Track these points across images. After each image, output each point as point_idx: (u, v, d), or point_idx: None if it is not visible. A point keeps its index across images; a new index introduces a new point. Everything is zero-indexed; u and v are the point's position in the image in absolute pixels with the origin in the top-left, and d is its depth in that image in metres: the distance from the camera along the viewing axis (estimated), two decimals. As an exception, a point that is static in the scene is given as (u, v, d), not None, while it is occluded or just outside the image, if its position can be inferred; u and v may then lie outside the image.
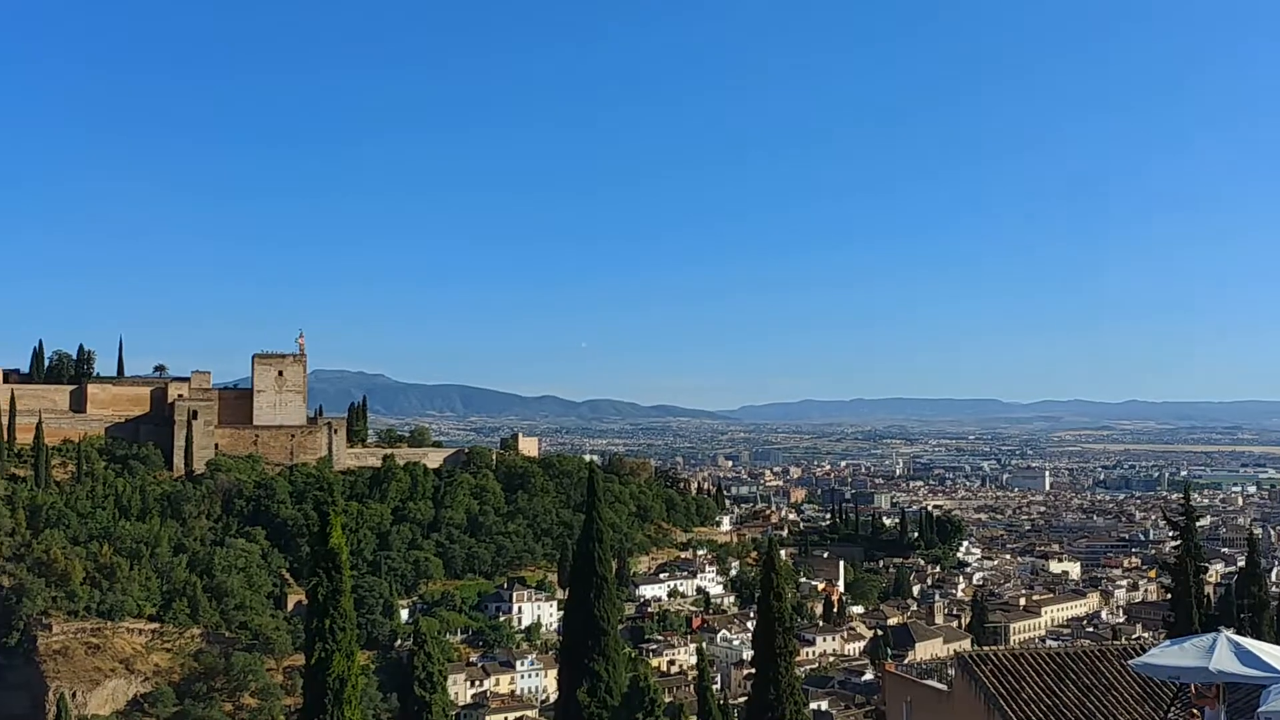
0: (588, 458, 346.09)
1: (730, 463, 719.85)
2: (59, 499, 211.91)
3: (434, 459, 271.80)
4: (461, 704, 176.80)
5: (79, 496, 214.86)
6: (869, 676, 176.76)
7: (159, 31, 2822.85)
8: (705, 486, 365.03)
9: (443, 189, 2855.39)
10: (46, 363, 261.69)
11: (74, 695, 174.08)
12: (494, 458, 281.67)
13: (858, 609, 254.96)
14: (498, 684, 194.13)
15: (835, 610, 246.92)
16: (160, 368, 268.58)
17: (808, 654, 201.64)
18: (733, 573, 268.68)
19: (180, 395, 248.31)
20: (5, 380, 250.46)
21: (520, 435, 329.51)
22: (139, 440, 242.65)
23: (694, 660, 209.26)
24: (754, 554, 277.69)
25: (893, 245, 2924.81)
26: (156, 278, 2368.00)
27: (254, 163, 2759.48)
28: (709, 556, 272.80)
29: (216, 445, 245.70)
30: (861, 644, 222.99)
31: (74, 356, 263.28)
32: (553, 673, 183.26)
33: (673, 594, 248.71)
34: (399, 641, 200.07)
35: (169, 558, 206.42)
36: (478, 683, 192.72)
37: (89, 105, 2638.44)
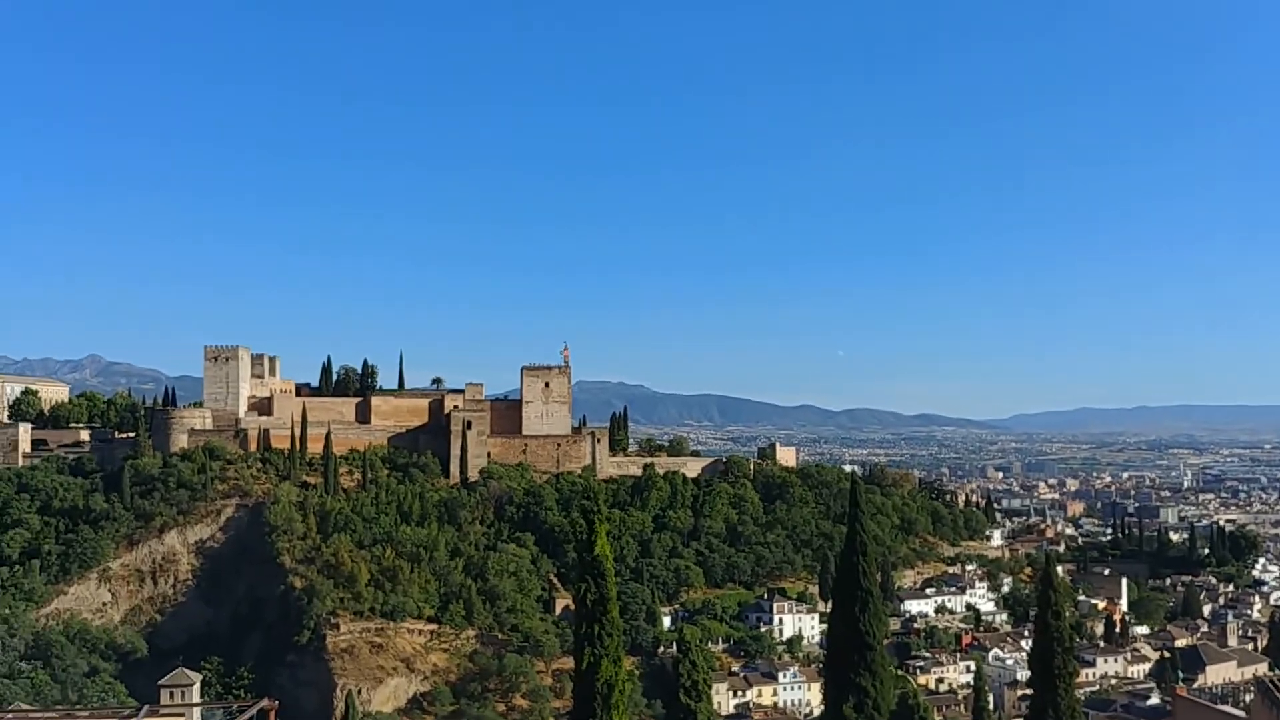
0: (848, 468, 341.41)
1: (1000, 474, 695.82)
2: (346, 505, 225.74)
3: (693, 468, 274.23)
4: (724, 714, 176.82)
5: (364, 503, 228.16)
6: (1155, 701, 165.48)
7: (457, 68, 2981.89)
8: (973, 499, 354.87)
9: (699, 220, 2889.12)
10: (334, 377, 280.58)
11: (359, 692, 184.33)
12: (752, 467, 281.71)
13: (1142, 629, 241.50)
14: (760, 695, 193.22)
15: (1117, 630, 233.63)
16: (437, 380, 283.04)
17: (1088, 675, 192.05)
18: (1005, 589, 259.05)
19: (455, 406, 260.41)
20: (298, 394, 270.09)
21: (778, 445, 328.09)
22: (418, 449, 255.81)
23: (963, 679, 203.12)
24: (1028, 570, 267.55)
25: (1183, 249, 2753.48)
26: (434, 297, 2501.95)
27: (530, 194, 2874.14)
28: (979, 572, 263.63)
29: (489, 454, 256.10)
30: (1146, 666, 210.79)
31: (359, 371, 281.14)
32: (816, 686, 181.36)
33: (940, 610, 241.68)
34: (662, 648, 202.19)
35: (446, 561, 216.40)
36: (740, 693, 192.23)
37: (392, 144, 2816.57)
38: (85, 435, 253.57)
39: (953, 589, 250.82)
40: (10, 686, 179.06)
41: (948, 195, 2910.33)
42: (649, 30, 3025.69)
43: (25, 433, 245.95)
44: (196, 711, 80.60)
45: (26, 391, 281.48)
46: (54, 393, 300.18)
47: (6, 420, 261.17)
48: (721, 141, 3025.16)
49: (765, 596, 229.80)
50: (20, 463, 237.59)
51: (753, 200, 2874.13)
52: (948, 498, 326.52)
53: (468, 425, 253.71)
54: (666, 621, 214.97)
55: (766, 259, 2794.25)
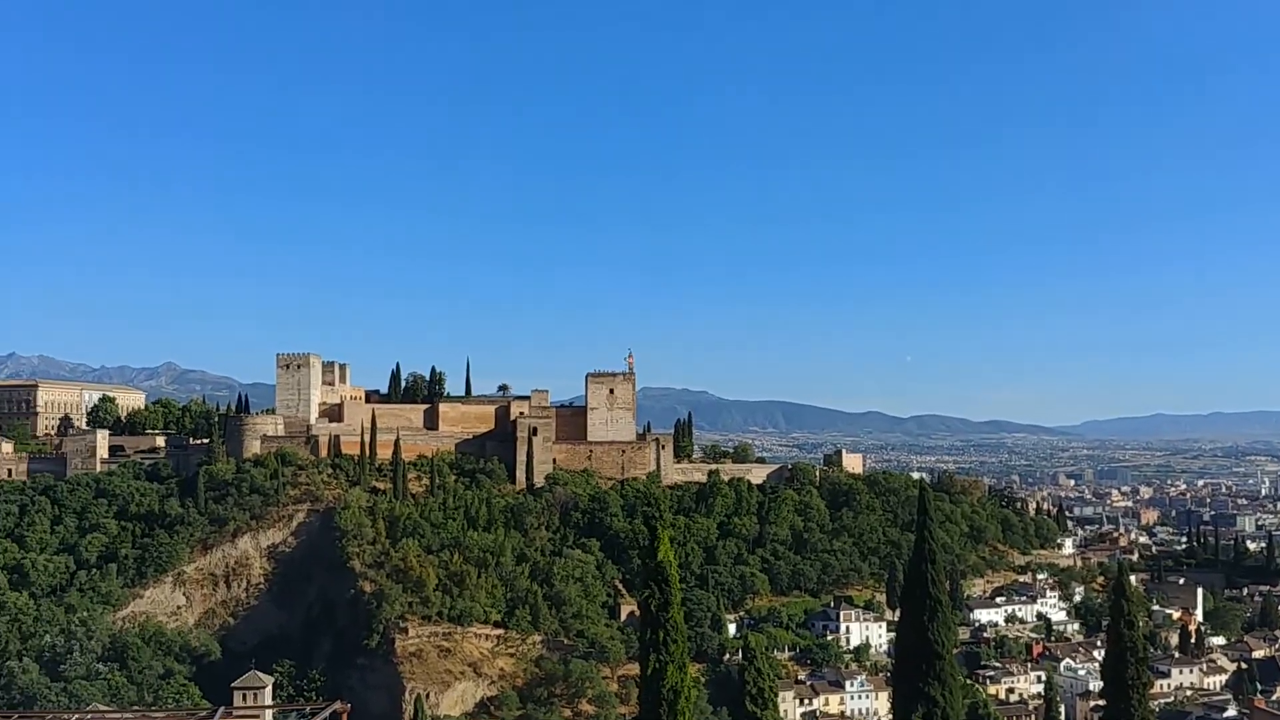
0: (916, 475, 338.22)
1: (1072, 481, 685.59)
2: (414, 510, 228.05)
3: (758, 475, 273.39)
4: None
5: (432, 508, 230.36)
6: (1231, 713, 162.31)
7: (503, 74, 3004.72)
8: (1044, 507, 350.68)
9: (768, 221, 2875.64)
10: (403, 384, 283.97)
11: (427, 696, 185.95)
12: (818, 474, 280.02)
13: (1218, 640, 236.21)
14: (826, 704, 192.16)
15: (1193, 641, 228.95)
16: (503, 387, 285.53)
17: (1162, 686, 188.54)
18: (1077, 598, 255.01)
19: (521, 413, 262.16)
20: (367, 400, 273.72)
21: (844, 451, 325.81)
22: (485, 455, 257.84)
23: (1034, 689, 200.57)
24: (1100, 579, 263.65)
25: (1259, 252, 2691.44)
26: (501, 304, 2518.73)
27: (597, 198, 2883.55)
28: (1050, 581, 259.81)
29: (554, 460, 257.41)
30: (1223, 678, 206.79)
31: (427, 378, 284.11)
32: (884, 695, 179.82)
33: (1010, 619, 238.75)
34: (727, 655, 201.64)
35: (512, 566, 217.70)
36: (806, 701, 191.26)
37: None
38: (161, 441, 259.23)
39: (1023, 598, 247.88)
40: (88, 688, 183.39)
41: (1022, 197, 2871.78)
42: (733, 30, 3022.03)
43: (103, 439, 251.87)
44: (269, 713, 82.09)
45: (104, 399, 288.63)
46: (131, 400, 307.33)
47: (85, 427, 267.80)
48: (789, 141, 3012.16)
49: (832, 604, 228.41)
50: (98, 468, 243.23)
51: (820, 202, 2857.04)
52: (1018, 505, 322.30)
53: (533, 432, 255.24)
54: (732, 629, 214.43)
55: (832, 262, 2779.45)
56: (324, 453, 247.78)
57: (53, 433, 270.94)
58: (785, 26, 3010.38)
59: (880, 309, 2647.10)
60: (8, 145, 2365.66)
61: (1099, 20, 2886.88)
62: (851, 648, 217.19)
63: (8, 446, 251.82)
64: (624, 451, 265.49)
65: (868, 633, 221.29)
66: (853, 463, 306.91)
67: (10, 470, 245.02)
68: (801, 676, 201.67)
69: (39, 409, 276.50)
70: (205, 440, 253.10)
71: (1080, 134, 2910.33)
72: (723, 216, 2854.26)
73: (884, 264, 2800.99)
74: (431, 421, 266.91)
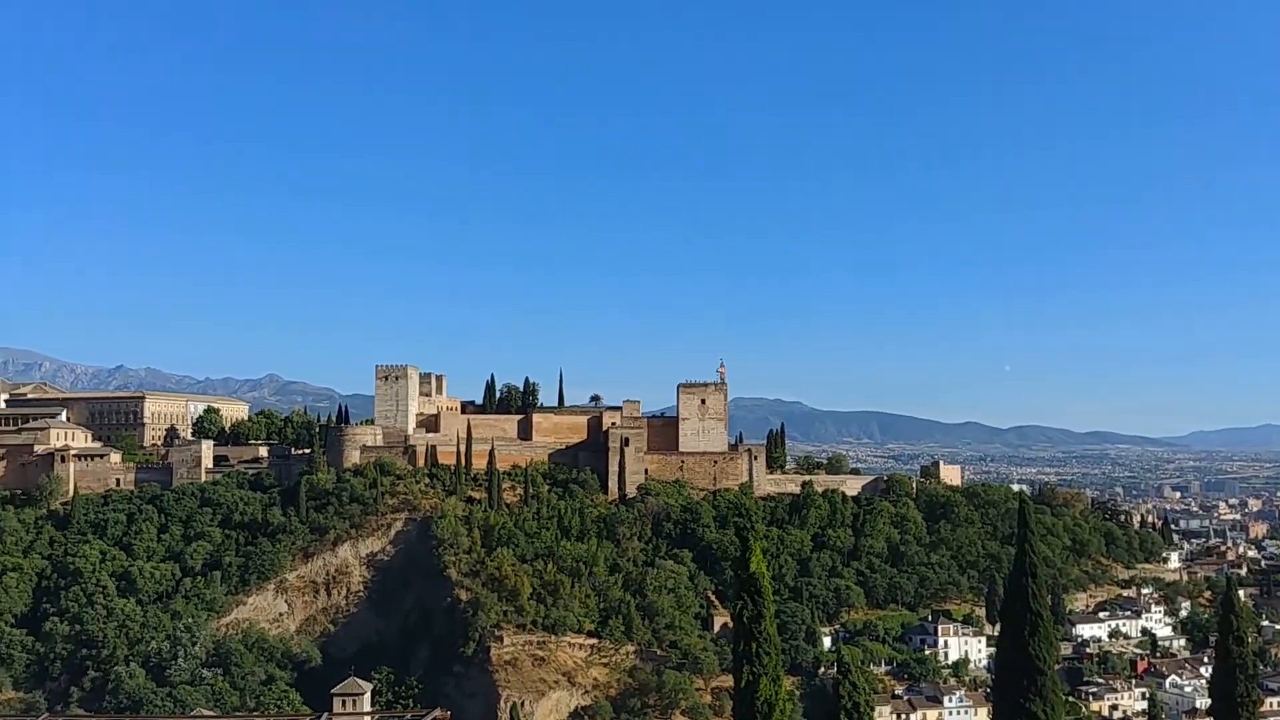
0: (1016, 487, 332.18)
1: (1178, 494, 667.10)
2: (509, 520, 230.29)
3: (852, 486, 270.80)
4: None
5: (526, 517, 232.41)
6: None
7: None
8: (1149, 520, 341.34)
9: (863, 229, 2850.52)
10: (497, 395, 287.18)
11: (522, 704, 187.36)
12: (914, 486, 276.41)
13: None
14: (924, 719, 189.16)
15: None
16: (596, 398, 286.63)
17: (1271, 705, 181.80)
18: (1183, 613, 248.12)
19: (613, 423, 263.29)
20: (463, 411, 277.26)
21: (941, 463, 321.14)
22: (577, 465, 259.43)
23: (1138, 706, 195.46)
24: (1207, 594, 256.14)
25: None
26: (592, 314, 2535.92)
27: (692, 205, 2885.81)
28: (1155, 595, 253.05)
29: (646, 470, 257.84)
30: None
31: (521, 389, 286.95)
32: (983, 711, 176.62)
33: (1114, 634, 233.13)
34: (822, 669, 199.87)
35: (605, 576, 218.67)
36: (903, 716, 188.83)
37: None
38: (264, 451, 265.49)
39: (1127, 613, 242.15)
40: (192, 692, 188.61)
41: (1128, 199, 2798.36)
42: (832, 37, 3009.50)
43: (208, 449, 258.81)
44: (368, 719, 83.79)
45: (209, 410, 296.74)
46: (234, 411, 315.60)
47: (191, 437, 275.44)
48: (887, 148, 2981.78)
49: (929, 618, 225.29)
50: (203, 478, 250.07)
51: (918, 207, 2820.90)
52: (1122, 518, 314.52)
53: (625, 442, 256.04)
54: (827, 642, 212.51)
55: (928, 269, 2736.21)
56: (421, 462, 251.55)
57: (159, 443, 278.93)
58: (898, 35, 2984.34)
59: (978, 317, 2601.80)
60: (127, 163, 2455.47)
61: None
62: (950, 663, 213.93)
63: (116, 457, 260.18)
64: (716, 462, 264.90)
65: (966, 647, 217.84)
66: (950, 474, 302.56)
67: (118, 480, 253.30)
68: (898, 691, 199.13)
69: (146, 420, 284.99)
70: (306, 450, 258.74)
71: (1192, 132, 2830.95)
72: (817, 225, 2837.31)
73: (983, 270, 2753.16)
74: (525, 432, 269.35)
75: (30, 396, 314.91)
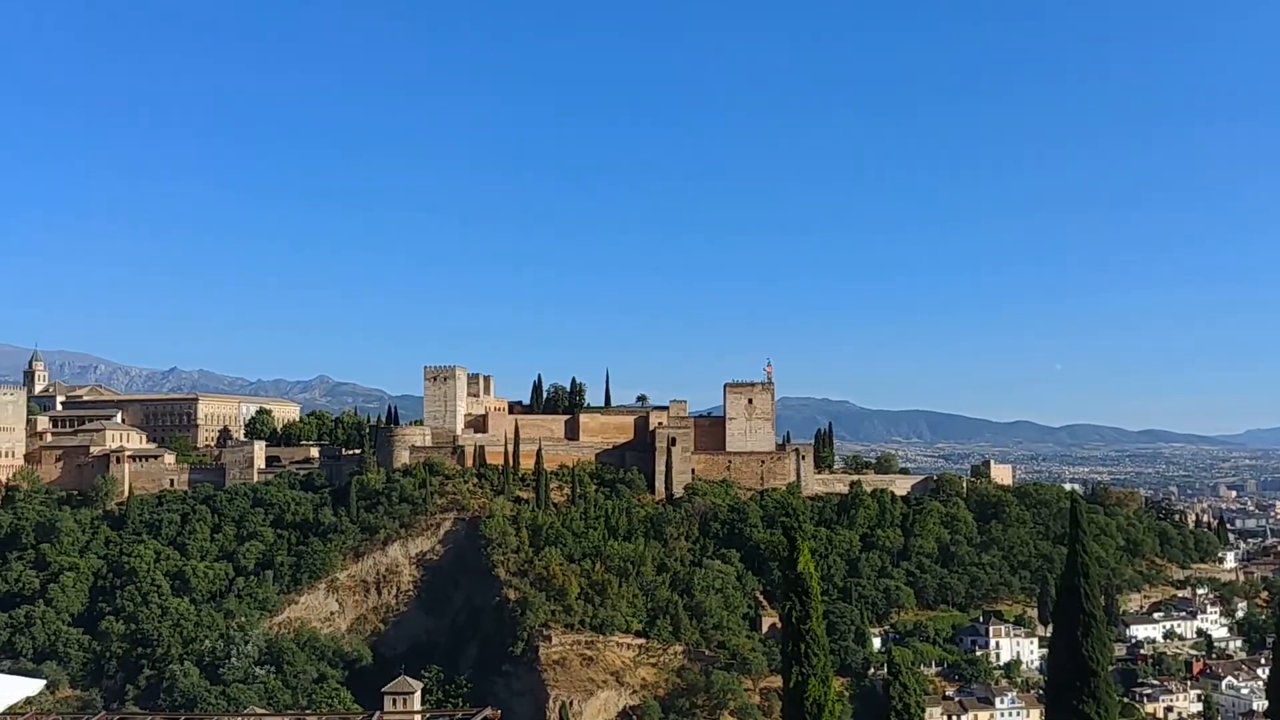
0: (1068, 486, 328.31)
1: (1234, 493, 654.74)
2: (557, 519, 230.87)
3: (901, 486, 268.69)
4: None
5: (573, 517, 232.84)
6: None
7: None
8: (1204, 519, 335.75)
9: (910, 226, 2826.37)
10: (545, 395, 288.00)
11: (571, 703, 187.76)
12: (965, 485, 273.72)
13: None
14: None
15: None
16: (642, 398, 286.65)
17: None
18: (1239, 614, 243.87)
19: (660, 423, 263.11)
20: (510, 411, 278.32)
21: (992, 462, 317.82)
22: (624, 465, 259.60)
23: (1195, 708, 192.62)
24: (1264, 594, 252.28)
25: None
26: (638, 314, 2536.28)
27: (738, 205, 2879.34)
28: (1210, 596, 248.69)
29: (693, 470, 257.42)
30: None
31: (568, 389, 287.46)
32: (1035, 713, 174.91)
33: (1168, 635, 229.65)
34: (871, 670, 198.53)
35: (653, 576, 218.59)
36: (954, 717, 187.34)
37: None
38: (315, 452, 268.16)
39: (1182, 613, 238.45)
40: (245, 690, 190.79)
41: (1180, 196, 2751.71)
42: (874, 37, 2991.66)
43: (260, 450, 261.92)
44: (419, 718, 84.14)
45: (261, 411, 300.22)
46: (286, 412, 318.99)
47: (243, 438, 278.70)
48: (937, 144, 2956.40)
49: (981, 619, 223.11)
50: (255, 478, 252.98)
51: (966, 205, 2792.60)
52: (1176, 518, 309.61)
53: (672, 442, 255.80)
54: (876, 642, 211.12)
55: (976, 267, 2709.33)
56: (469, 462, 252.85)
57: (212, 444, 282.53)
58: (949, 35, 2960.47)
59: (1028, 315, 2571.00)
60: (179, 169, 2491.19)
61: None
62: (1001, 664, 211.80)
63: (170, 458, 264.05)
64: (763, 462, 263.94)
65: (1018, 648, 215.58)
66: (1001, 474, 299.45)
67: (172, 480, 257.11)
68: (949, 693, 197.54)
69: (199, 421, 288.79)
70: (357, 451, 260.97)
71: (1251, 125, 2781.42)
72: (861, 222, 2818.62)
73: (1032, 267, 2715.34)
74: (572, 432, 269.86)
75: (86, 399, 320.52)
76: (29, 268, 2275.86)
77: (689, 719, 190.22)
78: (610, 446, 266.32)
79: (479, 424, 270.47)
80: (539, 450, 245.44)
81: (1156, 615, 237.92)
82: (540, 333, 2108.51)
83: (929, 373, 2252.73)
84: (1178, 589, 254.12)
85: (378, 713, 51.20)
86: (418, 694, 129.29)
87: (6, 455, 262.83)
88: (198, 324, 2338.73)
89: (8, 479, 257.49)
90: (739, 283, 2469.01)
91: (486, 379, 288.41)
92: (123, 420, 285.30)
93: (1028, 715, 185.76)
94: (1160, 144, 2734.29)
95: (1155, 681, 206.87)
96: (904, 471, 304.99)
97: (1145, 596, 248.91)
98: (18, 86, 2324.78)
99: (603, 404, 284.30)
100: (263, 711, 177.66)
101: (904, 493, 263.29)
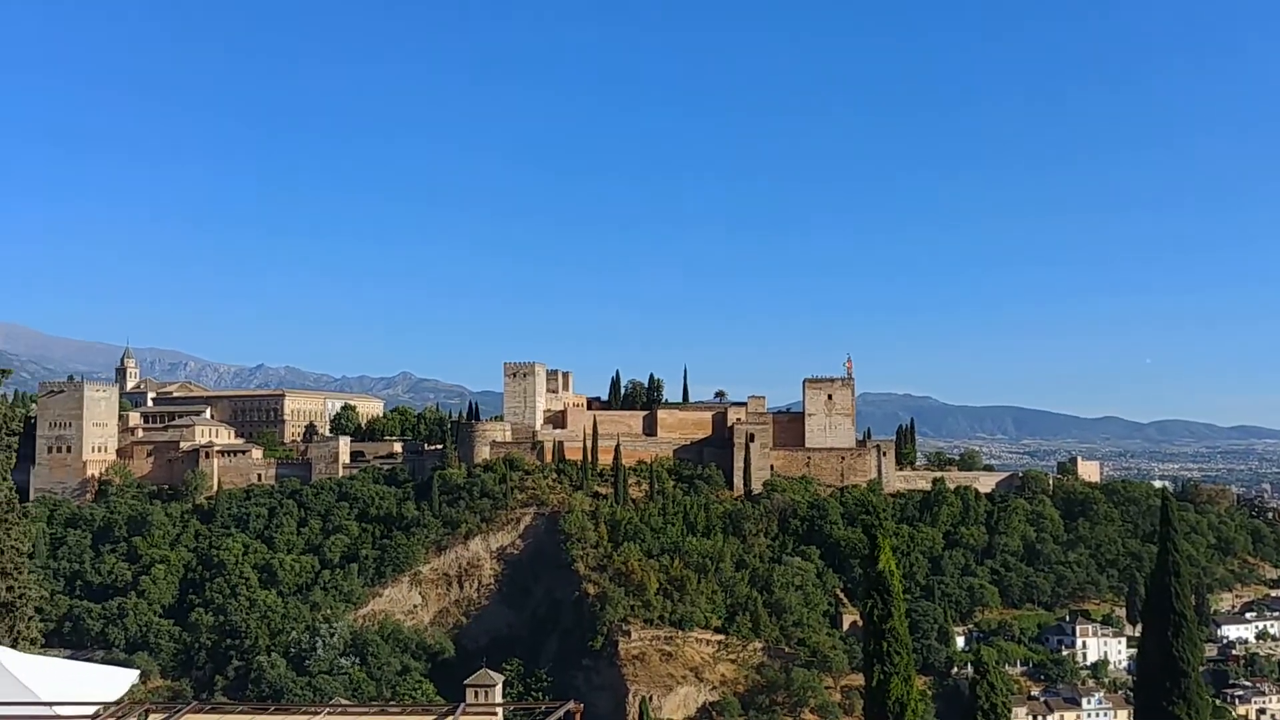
0: (1158, 484, 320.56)
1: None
2: (635, 515, 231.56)
3: (985, 483, 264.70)
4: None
5: (652, 513, 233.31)
6: None
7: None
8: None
9: (993, 217, 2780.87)
10: (623, 391, 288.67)
11: (650, 698, 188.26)
12: (1051, 482, 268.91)
13: None
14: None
15: None
16: (720, 393, 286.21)
17: None
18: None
19: (738, 419, 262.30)
20: (589, 407, 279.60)
21: (1079, 459, 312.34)
22: (702, 461, 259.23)
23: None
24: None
25: None
26: (716, 309, 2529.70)
27: (808, 198, 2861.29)
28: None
29: (772, 466, 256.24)
30: None
31: (645, 385, 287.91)
32: (1124, 714, 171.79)
33: (1261, 636, 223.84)
34: (955, 669, 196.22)
35: (731, 573, 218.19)
36: (1040, 718, 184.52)
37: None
38: (398, 447, 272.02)
39: (1276, 614, 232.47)
40: (330, 682, 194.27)
41: (1274, 184, 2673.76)
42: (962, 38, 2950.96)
43: (345, 445, 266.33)
44: (500, 711, 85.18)
45: (346, 407, 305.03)
46: (370, 408, 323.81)
47: (328, 434, 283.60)
48: (1031, 138, 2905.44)
49: (1067, 619, 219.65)
50: (341, 473, 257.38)
51: (1053, 196, 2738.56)
52: (1270, 516, 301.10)
53: (750, 438, 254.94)
54: (960, 641, 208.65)
55: (1063, 260, 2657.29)
56: (548, 458, 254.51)
57: (299, 439, 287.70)
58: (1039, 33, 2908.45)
59: (1117, 309, 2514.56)
60: (265, 168, 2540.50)
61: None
62: (1088, 664, 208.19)
63: (257, 453, 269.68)
64: (843, 458, 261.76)
65: (1106, 648, 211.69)
66: (1089, 470, 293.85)
67: (260, 475, 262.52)
68: (1035, 693, 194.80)
69: (286, 417, 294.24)
70: (439, 446, 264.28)
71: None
72: (944, 214, 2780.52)
73: (1121, 261, 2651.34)
74: (650, 428, 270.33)
75: (176, 395, 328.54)
76: (122, 268, 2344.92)
77: (769, 716, 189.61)
78: (688, 442, 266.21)
79: (558, 420, 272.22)
80: (617, 446, 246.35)
81: (1249, 615, 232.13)
82: (618, 330, 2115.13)
83: (1014, 368, 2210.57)
84: (1271, 588, 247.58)
85: (460, 705, 51.65)
86: (499, 686, 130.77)
87: (100, 450, 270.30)
88: (285, 321, 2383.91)
89: (101, 473, 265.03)
90: (819, 279, 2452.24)
91: (565, 375, 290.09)
92: (211, 416, 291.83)
93: (1115, 716, 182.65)
94: (1262, 137, 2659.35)
95: (1247, 683, 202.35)
96: (988, 468, 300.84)
97: (1237, 596, 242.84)
98: (125, 84, 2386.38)
99: (680, 400, 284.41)
100: (347, 702, 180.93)
101: (988, 490, 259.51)
